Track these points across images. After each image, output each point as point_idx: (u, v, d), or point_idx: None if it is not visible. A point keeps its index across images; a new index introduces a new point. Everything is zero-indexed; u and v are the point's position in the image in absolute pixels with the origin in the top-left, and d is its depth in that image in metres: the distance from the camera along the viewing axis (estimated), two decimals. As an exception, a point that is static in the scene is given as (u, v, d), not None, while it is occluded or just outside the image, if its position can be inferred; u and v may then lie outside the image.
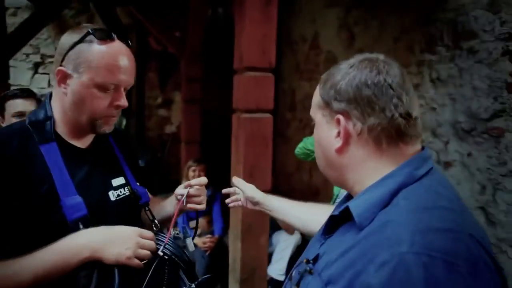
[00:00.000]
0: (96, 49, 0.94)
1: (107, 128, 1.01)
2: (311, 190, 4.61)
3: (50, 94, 1.03)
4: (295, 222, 1.29)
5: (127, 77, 0.98)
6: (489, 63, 2.22)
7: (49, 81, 4.74)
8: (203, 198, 1.22)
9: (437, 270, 0.52)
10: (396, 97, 0.67)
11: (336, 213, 0.72)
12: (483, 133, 2.25)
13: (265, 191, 2.01)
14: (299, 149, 2.24)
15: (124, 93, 1.00)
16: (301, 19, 4.62)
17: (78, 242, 0.86)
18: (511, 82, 2.10)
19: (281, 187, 4.51)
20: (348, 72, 0.70)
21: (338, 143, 0.71)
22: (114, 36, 0.97)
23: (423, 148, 0.73)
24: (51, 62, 4.29)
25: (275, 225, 3.09)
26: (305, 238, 3.47)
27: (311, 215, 1.23)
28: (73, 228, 0.88)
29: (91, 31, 0.94)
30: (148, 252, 0.91)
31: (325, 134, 0.74)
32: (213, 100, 4.74)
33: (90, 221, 0.90)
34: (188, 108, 3.81)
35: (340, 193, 2.11)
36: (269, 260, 2.89)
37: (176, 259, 0.98)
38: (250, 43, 1.85)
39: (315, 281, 0.69)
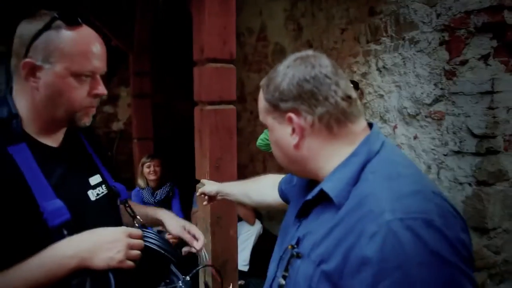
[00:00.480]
0: (67, 36, 0.87)
1: (87, 121, 0.95)
2: (265, 180, 4.70)
3: (10, 90, 0.93)
4: (248, 200, 1.41)
5: (101, 63, 0.93)
6: (429, 52, 2.41)
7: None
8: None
9: (420, 230, 0.59)
10: (334, 84, 0.73)
11: (310, 197, 0.76)
12: (427, 117, 2.45)
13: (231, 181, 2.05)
14: (260, 140, 2.28)
15: (101, 81, 0.94)
16: (247, 11, 4.65)
17: (65, 254, 0.80)
18: (448, 69, 2.30)
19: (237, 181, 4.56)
20: (286, 73, 0.75)
21: (294, 139, 0.75)
22: (80, 20, 0.90)
23: (370, 124, 0.80)
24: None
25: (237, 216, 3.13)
26: (266, 228, 3.55)
27: (259, 190, 1.36)
28: (56, 234, 0.82)
29: (57, 16, 0.87)
30: (139, 252, 0.88)
31: (280, 134, 0.78)
32: (162, 94, 4.64)
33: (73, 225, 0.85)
34: (138, 103, 3.69)
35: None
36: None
37: (165, 253, 0.97)
38: (210, 35, 1.84)
39: (305, 264, 0.72)
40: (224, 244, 1.96)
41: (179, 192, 3.40)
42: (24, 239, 0.80)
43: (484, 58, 2.15)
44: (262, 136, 2.29)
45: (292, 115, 0.74)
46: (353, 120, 0.75)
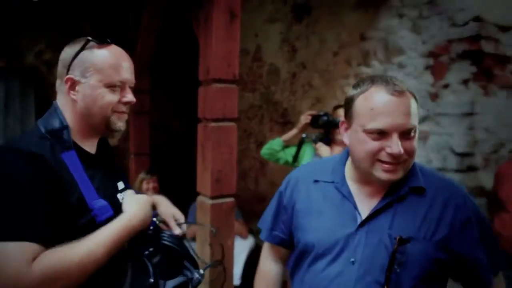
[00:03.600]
0: (99, 53, 1.02)
1: (121, 125, 1.08)
2: (257, 197, 4.80)
3: (56, 104, 1.06)
4: None
5: (130, 75, 1.07)
6: (415, 76, 2.60)
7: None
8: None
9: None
10: None
11: (395, 197, 0.97)
12: (413, 136, 2.61)
13: (231, 194, 2.17)
14: (265, 149, 2.44)
15: (130, 91, 1.08)
16: (243, 33, 4.84)
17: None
18: (433, 92, 2.49)
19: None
20: None
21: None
22: (109, 40, 1.06)
23: None
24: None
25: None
26: (258, 243, 3.63)
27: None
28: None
29: (90, 39, 1.03)
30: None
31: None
32: (159, 111, 4.76)
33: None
34: (137, 120, 3.80)
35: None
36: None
37: (180, 250, 1.09)
38: (216, 58, 1.99)
39: (418, 244, 0.91)
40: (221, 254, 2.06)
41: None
42: (76, 230, 0.91)
43: (465, 82, 2.34)
44: (267, 146, 2.44)
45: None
46: None
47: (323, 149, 2.16)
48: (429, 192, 0.96)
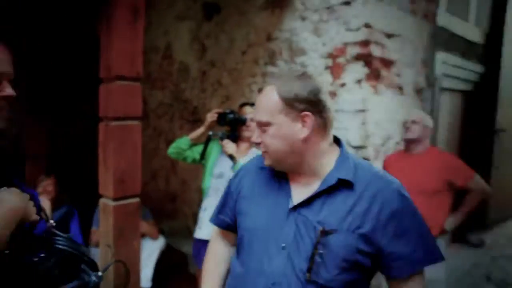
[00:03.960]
0: None
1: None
2: (169, 196, 4.70)
3: None
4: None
5: (6, 68, 0.97)
6: (316, 75, 2.76)
7: None
8: None
9: (405, 191, 1.01)
10: (325, 99, 1.01)
11: (325, 187, 0.99)
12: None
13: (135, 195, 2.09)
14: (172, 148, 2.38)
15: (8, 84, 0.98)
16: (153, 30, 4.70)
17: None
18: (331, 90, 2.68)
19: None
20: (303, 83, 0.98)
21: (303, 133, 0.98)
22: None
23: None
24: None
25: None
26: (169, 243, 3.56)
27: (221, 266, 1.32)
28: None
29: None
30: None
31: (290, 129, 0.98)
32: (59, 111, 4.38)
33: None
34: (34, 121, 3.47)
35: (209, 186, 2.32)
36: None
37: (74, 252, 1.02)
38: (118, 55, 1.90)
39: (341, 235, 0.95)
40: (126, 257, 1.98)
41: (79, 213, 3.24)
42: None
43: (358, 82, 2.56)
44: (174, 144, 2.39)
45: (309, 114, 0.96)
46: (331, 128, 1.04)
47: (229, 146, 2.18)
48: (359, 186, 0.98)
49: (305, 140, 0.99)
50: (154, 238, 3.24)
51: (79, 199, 3.37)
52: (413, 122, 2.33)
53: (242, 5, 3.43)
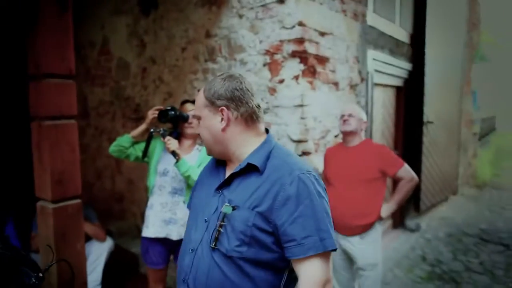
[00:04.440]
0: None
1: None
2: (115, 196, 4.59)
3: None
4: None
5: None
6: (256, 72, 2.86)
7: None
8: None
9: (315, 181, 1.12)
10: (251, 95, 1.18)
11: (237, 169, 1.15)
12: (257, 126, 2.88)
13: (76, 196, 2.05)
14: (113, 146, 2.34)
15: None
16: (88, 24, 4.52)
17: None
18: (270, 86, 2.78)
19: (82, 198, 4.32)
20: (224, 83, 1.16)
21: (222, 125, 1.16)
22: None
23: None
24: None
25: (85, 236, 3.01)
26: (118, 243, 3.49)
27: None
28: None
29: None
30: None
31: (213, 121, 1.17)
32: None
33: None
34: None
35: (154, 184, 2.32)
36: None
37: (13, 255, 1.01)
38: (46, 50, 1.83)
39: (241, 212, 1.10)
40: (71, 260, 1.93)
41: (14, 218, 3.08)
42: None
43: (296, 78, 2.68)
44: (115, 143, 2.34)
45: (224, 108, 1.15)
46: (260, 120, 1.20)
47: (172, 143, 2.20)
48: (267, 171, 1.12)
49: (224, 130, 1.16)
50: (101, 240, 3.16)
51: (17, 203, 3.20)
52: (350, 115, 2.49)
53: (179, 1, 3.42)
